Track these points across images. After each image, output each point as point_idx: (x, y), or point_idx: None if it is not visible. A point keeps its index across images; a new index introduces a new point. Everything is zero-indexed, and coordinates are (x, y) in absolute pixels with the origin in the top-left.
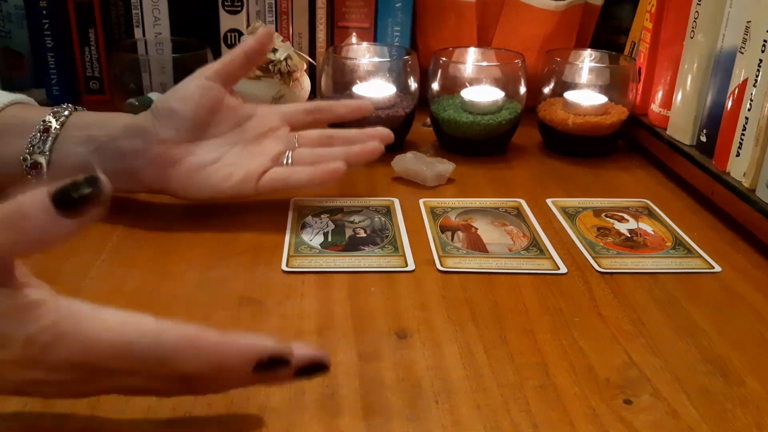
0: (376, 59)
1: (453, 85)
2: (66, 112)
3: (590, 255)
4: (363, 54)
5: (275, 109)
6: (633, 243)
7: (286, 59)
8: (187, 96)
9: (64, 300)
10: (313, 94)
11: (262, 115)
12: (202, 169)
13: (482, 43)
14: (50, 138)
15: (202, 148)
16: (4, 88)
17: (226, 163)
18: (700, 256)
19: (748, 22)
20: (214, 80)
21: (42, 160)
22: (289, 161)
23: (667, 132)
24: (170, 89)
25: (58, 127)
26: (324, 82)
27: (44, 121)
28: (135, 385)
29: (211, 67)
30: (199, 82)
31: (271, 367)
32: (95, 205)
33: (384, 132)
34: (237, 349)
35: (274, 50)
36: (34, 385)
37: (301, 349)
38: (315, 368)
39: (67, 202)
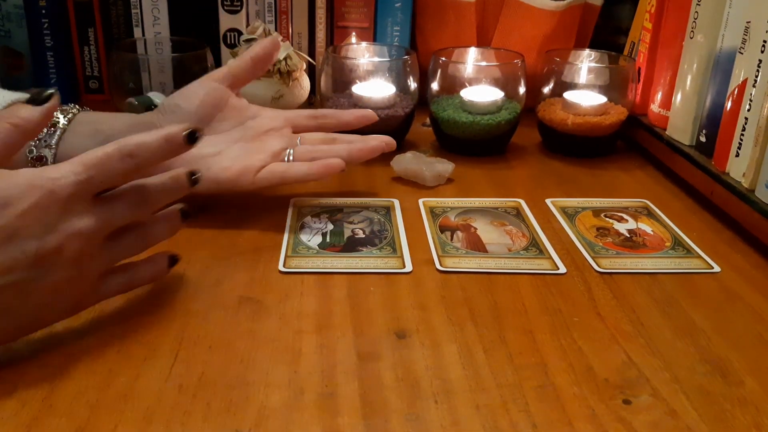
0: (376, 59)
1: (452, 85)
2: (74, 110)
3: (589, 255)
4: (362, 54)
5: (280, 113)
6: (632, 243)
7: (285, 59)
8: (191, 94)
9: None
10: (313, 93)
11: (265, 117)
12: (202, 160)
13: (482, 43)
14: (57, 132)
15: (204, 141)
16: (4, 88)
17: (226, 157)
18: (700, 257)
19: (748, 22)
20: (220, 82)
21: (48, 153)
22: (290, 158)
23: (666, 132)
24: (177, 91)
25: (65, 122)
26: (323, 81)
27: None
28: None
29: (219, 71)
30: (206, 83)
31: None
32: None
33: (387, 138)
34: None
35: None
36: None
37: None
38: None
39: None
